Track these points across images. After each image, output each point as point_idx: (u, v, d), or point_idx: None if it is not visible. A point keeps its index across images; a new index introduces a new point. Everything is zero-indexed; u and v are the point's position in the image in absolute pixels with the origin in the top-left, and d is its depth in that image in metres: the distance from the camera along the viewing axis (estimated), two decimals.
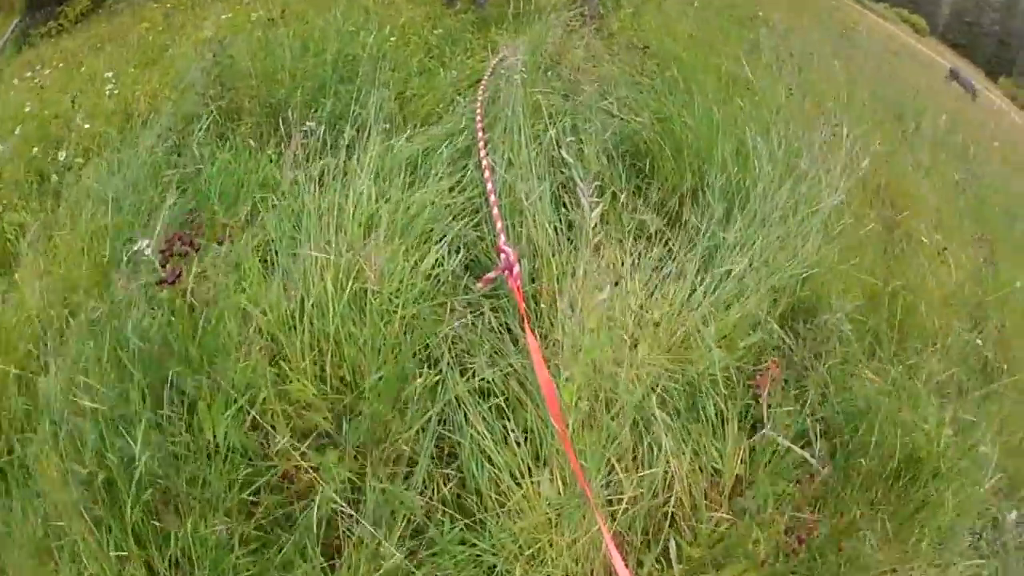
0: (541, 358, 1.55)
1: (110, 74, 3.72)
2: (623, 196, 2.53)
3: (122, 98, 3.39)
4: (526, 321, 1.69)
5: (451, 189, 2.27)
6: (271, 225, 2.05)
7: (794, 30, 6.58)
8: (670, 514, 1.68)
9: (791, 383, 2.08)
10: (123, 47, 5.12)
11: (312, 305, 1.77)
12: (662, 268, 2.17)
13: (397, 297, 1.81)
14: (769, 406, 1.89)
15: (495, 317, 1.89)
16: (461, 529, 1.54)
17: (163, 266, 1.66)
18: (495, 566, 1.52)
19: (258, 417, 1.59)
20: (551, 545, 1.53)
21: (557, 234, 2.12)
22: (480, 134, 2.46)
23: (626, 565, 1.29)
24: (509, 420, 1.70)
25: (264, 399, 1.60)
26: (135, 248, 1.69)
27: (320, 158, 2.38)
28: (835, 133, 2.82)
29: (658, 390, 1.75)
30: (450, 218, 2.15)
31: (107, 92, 3.45)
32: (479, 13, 4.28)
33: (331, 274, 1.81)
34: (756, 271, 2.14)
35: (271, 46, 3.30)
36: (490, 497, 1.58)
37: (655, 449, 1.64)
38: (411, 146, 2.46)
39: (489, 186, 2.18)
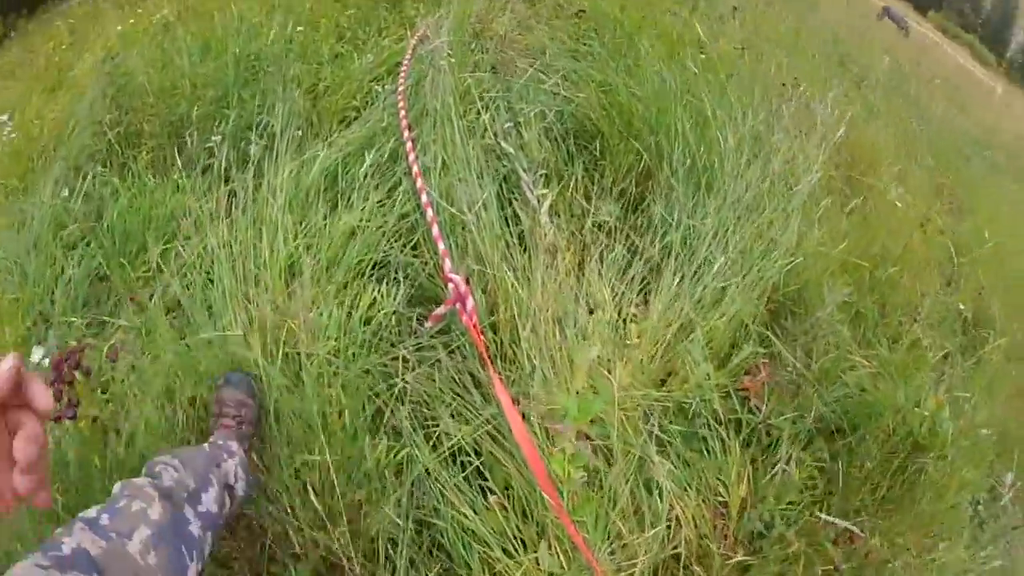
0: (517, 414, 1.28)
1: (5, 116, 3.15)
2: (572, 183, 2.25)
3: (25, 136, 2.89)
4: (491, 368, 1.41)
5: (380, 204, 1.94)
6: (178, 287, 1.70)
7: None
8: (680, 556, 1.47)
9: (784, 383, 1.89)
10: (32, 71, 4.44)
11: None
12: (628, 270, 1.92)
13: (336, 357, 1.51)
14: (767, 419, 1.69)
15: (452, 363, 1.59)
16: None
17: (57, 400, 1.32)
18: None
19: None
20: None
21: (508, 247, 1.83)
22: (406, 133, 2.12)
23: None
24: (487, 480, 1.44)
25: None
26: (33, 361, 1.49)
27: (226, 183, 2.03)
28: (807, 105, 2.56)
29: (649, 426, 1.51)
30: (383, 243, 1.83)
31: (3, 136, 2.93)
32: None
33: (258, 341, 1.49)
34: (733, 264, 1.91)
35: (168, 54, 2.86)
36: None
37: (659, 499, 1.41)
38: (329, 154, 2.11)
39: (424, 198, 1.86)
